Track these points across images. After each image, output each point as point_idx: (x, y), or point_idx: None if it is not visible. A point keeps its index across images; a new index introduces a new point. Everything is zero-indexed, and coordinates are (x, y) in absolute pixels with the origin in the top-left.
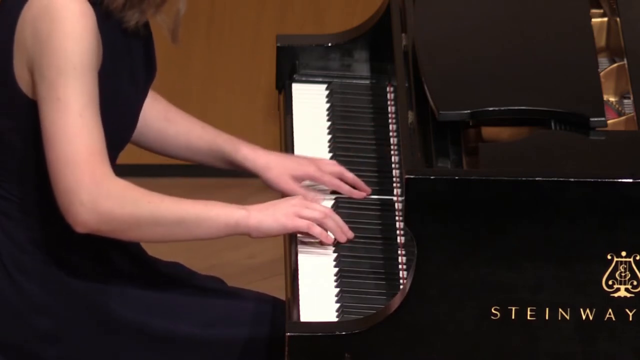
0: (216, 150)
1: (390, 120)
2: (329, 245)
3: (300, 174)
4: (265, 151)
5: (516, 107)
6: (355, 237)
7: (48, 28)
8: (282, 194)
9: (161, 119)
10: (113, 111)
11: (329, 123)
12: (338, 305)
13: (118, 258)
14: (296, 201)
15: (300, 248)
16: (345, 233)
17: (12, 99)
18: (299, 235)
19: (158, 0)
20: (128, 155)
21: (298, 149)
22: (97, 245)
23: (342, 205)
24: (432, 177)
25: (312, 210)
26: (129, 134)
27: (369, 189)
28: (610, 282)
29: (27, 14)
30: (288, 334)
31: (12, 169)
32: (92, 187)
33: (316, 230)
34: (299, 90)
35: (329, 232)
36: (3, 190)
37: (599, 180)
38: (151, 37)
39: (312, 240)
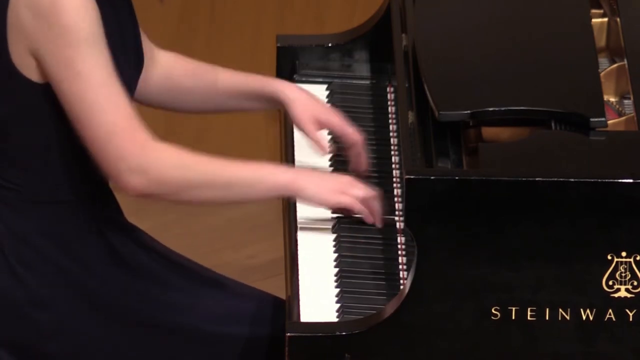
0: (247, 90)
1: (390, 120)
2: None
3: (324, 118)
4: (298, 87)
5: (516, 107)
6: (356, 237)
7: (49, 8)
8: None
9: (189, 75)
10: None
11: None
12: (338, 305)
13: (121, 247)
14: (345, 179)
15: (300, 248)
16: (376, 220)
17: (11, 85)
18: (299, 234)
19: None
20: None
21: (298, 149)
22: (99, 234)
23: None
24: (432, 177)
25: (358, 190)
26: None
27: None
28: (610, 283)
29: None
30: (288, 334)
31: (10, 156)
32: (139, 153)
33: (357, 207)
34: None
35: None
36: (3, 180)
37: (599, 180)
38: (138, 30)
39: (312, 241)
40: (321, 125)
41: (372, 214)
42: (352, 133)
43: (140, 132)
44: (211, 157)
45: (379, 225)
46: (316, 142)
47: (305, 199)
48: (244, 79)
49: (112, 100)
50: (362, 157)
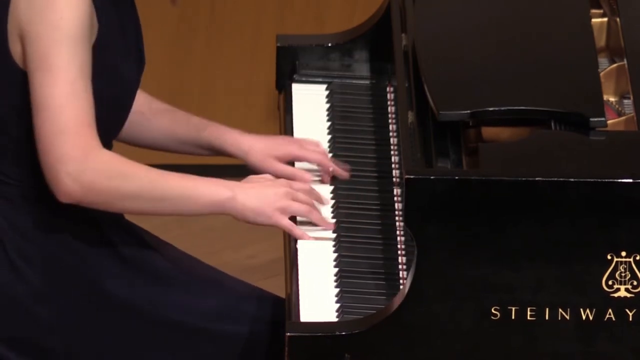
0: (199, 138)
1: (390, 120)
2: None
3: (282, 153)
4: (248, 135)
5: (516, 107)
6: (356, 237)
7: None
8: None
9: (145, 109)
10: (110, 86)
11: (329, 123)
12: (338, 305)
13: (121, 244)
14: (283, 191)
15: (300, 248)
16: (325, 227)
17: (7, 76)
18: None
19: None
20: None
21: None
22: (99, 229)
23: (342, 206)
24: (432, 177)
25: (299, 206)
26: (125, 113)
27: (347, 174)
28: (610, 282)
29: None
30: (288, 334)
31: (10, 150)
32: (79, 159)
33: (297, 232)
34: (299, 90)
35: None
36: (4, 175)
37: (599, 180)
38: (140, 29)
39: (312, 239)
40: (282, 159)
41: (317, 223)
42: (313, 152)
43: (89, 139)
44: (151, 168)
45: (328, 228)
46: (291, 174)
47: (246, 220)
48: (198, 126)
49: (73, 102)
50: (336, 168)
